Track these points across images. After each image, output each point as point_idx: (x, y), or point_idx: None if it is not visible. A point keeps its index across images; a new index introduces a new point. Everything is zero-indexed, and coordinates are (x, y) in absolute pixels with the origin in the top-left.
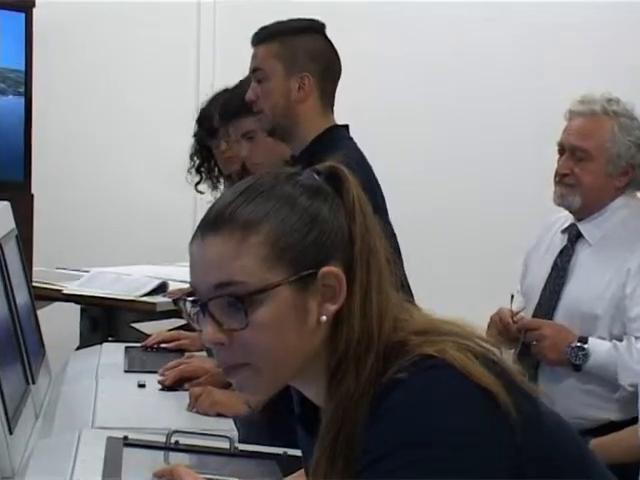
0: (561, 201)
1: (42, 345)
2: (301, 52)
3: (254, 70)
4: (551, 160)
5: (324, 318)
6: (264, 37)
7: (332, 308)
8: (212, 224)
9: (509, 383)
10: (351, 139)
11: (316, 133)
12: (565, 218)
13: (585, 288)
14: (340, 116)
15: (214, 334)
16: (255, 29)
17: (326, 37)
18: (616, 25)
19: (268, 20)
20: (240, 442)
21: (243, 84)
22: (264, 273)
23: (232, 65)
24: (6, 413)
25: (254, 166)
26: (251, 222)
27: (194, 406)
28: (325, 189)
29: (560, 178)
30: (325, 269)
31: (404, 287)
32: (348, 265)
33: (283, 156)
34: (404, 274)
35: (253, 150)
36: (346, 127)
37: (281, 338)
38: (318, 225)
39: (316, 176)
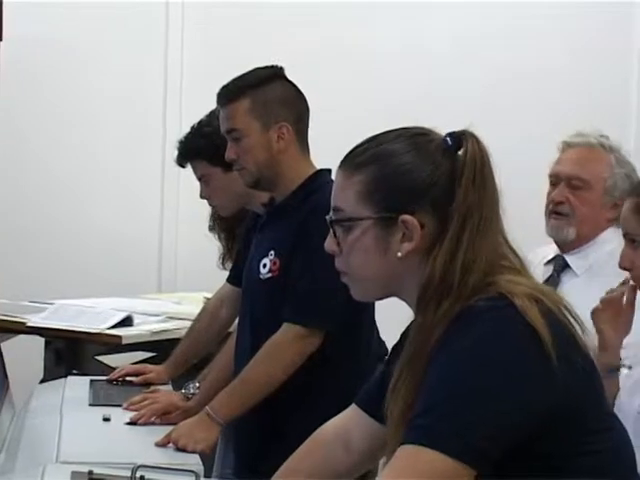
0: (556, 233)
1: (5, 378)
2: (273, 102)
3: (229, 131)
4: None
5: (399, 254)
6: (232, 95)
7: (406, 248)
8: (342, 161)
9: (562, 335)
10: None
11: (300, 179)
12: (545, 252)
13: None
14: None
15: (328, 243)
16: (223, 67)
17: (288, 80)
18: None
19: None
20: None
21: (202, 126)
22: (356, 206)
23: (198, 105)
24: None
25: (213, 206)
26: (360, 164)
27: (178, 445)
28: (439, 152)
29: (554, 206)
30: (404, 217)
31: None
32: (443, 216)
33: (240, 193)
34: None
35: (209, 192)
36: (329, 171)
37: (365, 260)
38: (411, 180)
39: (448, 139)
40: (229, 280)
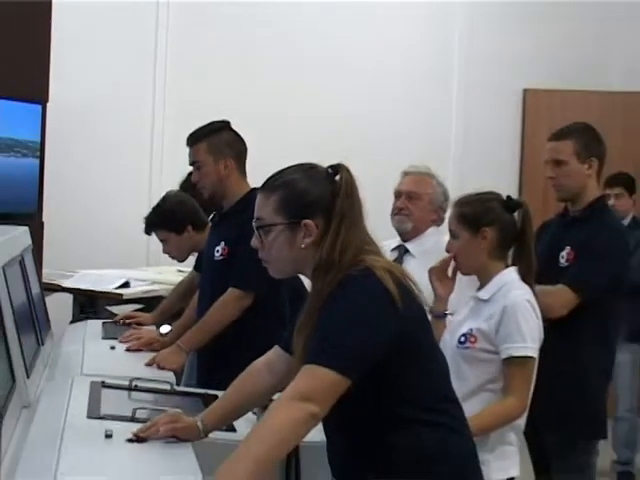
0: (399, 226)
1: (48, 320)
2: (222, 145)
3: (193, 162)
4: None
5: (303, 246)
6: (195, 140)
7: (307, 241)
8: (261, 186)
9: (404, 292)
10: None
11: (240, 194)
12: (389, 243)
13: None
14: None
15: (254, 242)
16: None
17: (232, 129)
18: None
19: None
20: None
21: (159, 206)
22: (273, 216)
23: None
24: (25, 364)
25: (172, 257)
26: (274, 188)
27: (159, 365)
28: (323, 178)
29: (398, 211)
30: (306, 221)
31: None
32: (328, 219)
33: (189, 247)
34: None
35: (169, 249)
36: None
37: (280, 252)
38: (308, 197)
39: (329, 170)
40: (195, 268)
